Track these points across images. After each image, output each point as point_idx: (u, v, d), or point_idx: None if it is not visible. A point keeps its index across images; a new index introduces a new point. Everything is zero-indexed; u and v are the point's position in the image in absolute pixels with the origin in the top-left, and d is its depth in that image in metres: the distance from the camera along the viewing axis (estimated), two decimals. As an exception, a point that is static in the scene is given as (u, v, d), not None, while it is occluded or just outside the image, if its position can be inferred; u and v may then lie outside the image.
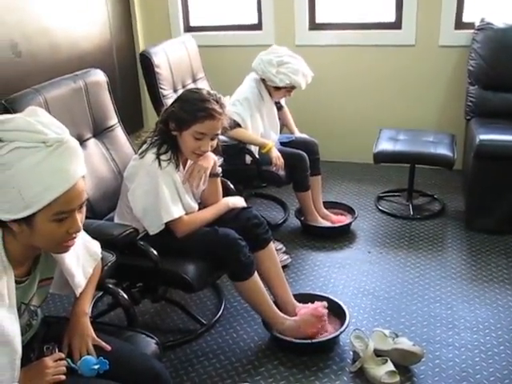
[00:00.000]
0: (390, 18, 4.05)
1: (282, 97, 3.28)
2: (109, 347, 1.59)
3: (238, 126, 3.07)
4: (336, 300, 2.55)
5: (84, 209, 1.41)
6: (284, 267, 2.85)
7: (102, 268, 1.80)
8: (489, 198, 3.26)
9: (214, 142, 2.29)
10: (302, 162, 3.17)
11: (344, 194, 3.81)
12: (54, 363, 1.49)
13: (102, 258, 1.79)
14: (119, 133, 2.66)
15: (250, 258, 2.28)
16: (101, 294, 2.70)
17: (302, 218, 3.37)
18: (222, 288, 2.85)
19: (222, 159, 2.50)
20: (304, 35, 4.21)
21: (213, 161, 2.37)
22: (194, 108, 2.19)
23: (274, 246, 2.49)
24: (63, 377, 1.47)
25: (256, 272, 2.31)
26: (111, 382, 1.49)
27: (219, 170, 2.43)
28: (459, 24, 3.92)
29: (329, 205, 3.49)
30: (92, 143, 2.48)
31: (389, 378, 2.18)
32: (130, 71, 4.32)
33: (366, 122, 4.22)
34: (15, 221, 1.32)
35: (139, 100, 4.44)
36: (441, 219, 3.50)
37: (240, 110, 3.09)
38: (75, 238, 1.42)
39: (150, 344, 1.73)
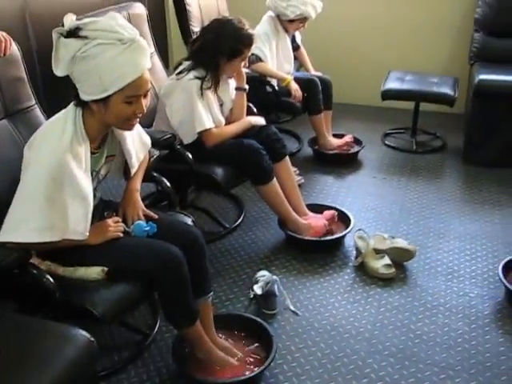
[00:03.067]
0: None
1: (296, 29, 3.54)
2: (156, 216, 1.95)
3: (259, 60, 3.37)
4: (342, 209, 2.91)
5: (148, 96, 1.75)
6: (298, 186, 3.18)
7: (149, 159, 2.15)
8: (485, 135, 3.57)
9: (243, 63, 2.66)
10: (315, 87, 3.48)
11: (353, 130, 4.11)
12: (113, 223, 1.85)
13: (149, 152, 2.14)
14: (156, 60, 2.97)
15: (270, 165, 2.63)
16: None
17: (316, 147, 3.70)
18: (242, 200, 3.21)
19: (246, 86, 2.81)
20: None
21: (243, 74, 2.72)
22: (243, 37, 2.54)
23: (290, 163, 2.83)
24: (121, 234, 1.84)
25: (275, 179, 2.66)
26: (158, 241, 1.84)
27: (246, 86, 2.76)
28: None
29: (337, 137, 3.80)
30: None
31: (385, 269, 2.54)
32: (159, 14, 4.62)
33: (376, 64, 4.48)
34: (94, 101, 1.67)
35: (166, 40, 4.75)
36: (441, 154, 3.82)
37: (260, 44, 3.36)
38: (138, 118, 1.76)
39: (187, 220, 2.09)
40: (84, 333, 1.40)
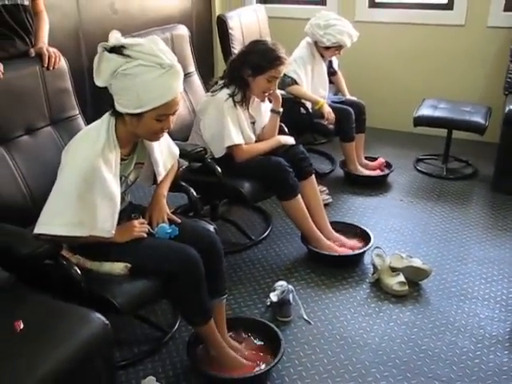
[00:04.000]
0: (443, -1, 4.41)
1: (331, 55, 3.67)
2: (179, 220, 2.11)
3: (295, 82, 3.52)
4: (363, 227, 3.02)
5: (176, 114, 1.92)
6: (325, 205, 3.27)
7: (178, 169, 2.32)
8: (514, 163, 3.62)
9: (277, 84, 2.79)
10: (349, 116, 3.60)
11: (385, 154, 4.20)
12: (139, 224, 2.01)
13: (179, 162, 2.31)
14: (195, 79, 3.18)
15: (295, 182, 2.76)
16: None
17: (346, 169, 3.82)
18: (270, 214, 3.35)
19: (281, 109, 2.95)
20: (363, 12, 4.60)
21: (279, 98, 2.88)
22: (271, 57, 2.67)
23: (315, 182, 2.95)
24: (145, 235, 2.00)
25: (300, 196, 2.79)
26: (178, 243, 1.99)
27: (281, 109, 2.92)
28: (508, 6, 4.22)
29: (369, 160, 3.92)
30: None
31: (399, 286, 2.63)
32: (206, 35, 4.85)
33: (411, 92, 4.57)
34: (129, 114, 1.85)
35: (212, 60, 4.98)
36: (470, 181, 3.87)
37: (296, 68, 3.52)
38: (165, 132, 1.95)
39: (210, 226, 2.23)
40: (100, 316, 1.56)
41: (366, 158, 3.91)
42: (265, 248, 3.03)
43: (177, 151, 2.27)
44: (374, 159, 3.93)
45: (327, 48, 3.59)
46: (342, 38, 3.50)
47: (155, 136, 1.95)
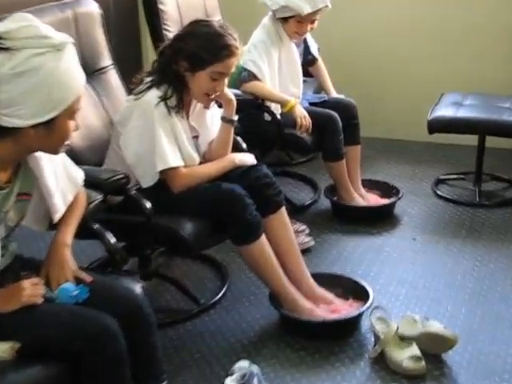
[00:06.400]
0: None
1: (304, 32, 3.78)
2: (90, 278, 2.17)
3: (254, 77, 3.64)
4: (360, 281, 3.12)
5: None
6: (304, 251, 3.40)
7: (88, 204, 2.39)
8: None
9: (226, 82, 2.89)
10: (333, 123, 3.74)
11: (393, 175, 4.34)
12: (30, 286, 2.06)
13: (88, 196, 2.39)
14: (113, 76, 3.23)
15: (256, 217, 2.83)
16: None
17: (335, 198, 3.94)
18: (227, 268, 3.45)
19: (236, 117, 3.05)
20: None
21: (232, 101, 2.99)
22: (215, 45, 2.77)
23: (287, 217, 3.03)
24: (40, 300, 2.03)
25: (264, 235, 2.88)
26: (88, 309, 2.05)
27: (235, 117, 3.02)
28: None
29: (367, 184, 4.06)
30: (80, 86, 3.07)
31: (412, 363, 2.70)
32: (130, 13, 4.94)
33: (424, 84, 4.75)
34: (34, 125, 1.92)
35: (139, 43, 5.04)
36: (514, 208, 4.03)
37: (256, 56, 3.64)
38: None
39: (135, 285, 2.29)
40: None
41: (363, 181, 4.04)
42: (219, 315, 3.12)
43: (79, 176, 2.33)
44: (373, 183, 4.09)
45: (284, 20, 3.70)
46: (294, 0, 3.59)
47: (63, 146, 2.08)
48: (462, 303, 3.16)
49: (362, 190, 3.99)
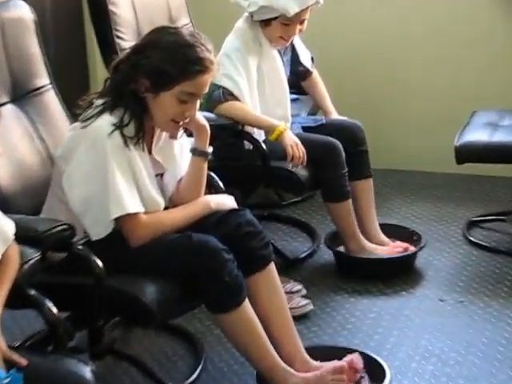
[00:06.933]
0: None
1: (291, 36, 3.85)
2: (25, 361, 2.20)
3: (231, 96, 3.69)
4: (373, 355, 3.16)
5: None
6: (301, 317, 3.47)
7: (21, 266, 2.43)
8: None
9: (198, 104, 2.93)
10: (334, 153, 3.80)
11: (413, 218, 4.40)
12: None
13: (20, 252, 2.42)
14: (52, 99, 3.24)
15: (238, 278, 2.84)
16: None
17: (339, 248, 4.01)
18: (201, 342, 3.48)
19: (210, 148, 3.09)
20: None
21: (205, 129, 3.02)
22: (184, 59, 2.79)
23: (276, 276, 3.05)
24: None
25: (247, 300, 2.90)
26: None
27: (210, 148, 3.07)
28: None
29: (382, 229, 4.11)
30: (9, 111, 3.03)
31: None
32: (73, 17, 4.99)
33: (450, 101, 4.84)
34: None
35: (84, 54, 5.08)
36: None
37: (230, 69, 3.69)
38: None
39: (83, 368, 2.33)
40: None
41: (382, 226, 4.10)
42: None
43: (9, 227, 2.37)
44: (389, 228, 4.15)
45: (266, 23, 3.76)
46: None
47: None
48: (506, 381, 3.19)
49: (382, 236, 4.05)
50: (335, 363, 3.01)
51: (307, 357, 3.07)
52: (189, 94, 2.82)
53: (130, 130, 2.80)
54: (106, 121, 2.79)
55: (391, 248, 4.02)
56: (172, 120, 2.87)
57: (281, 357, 2.97)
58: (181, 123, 2.90)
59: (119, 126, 2.78)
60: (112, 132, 2.76)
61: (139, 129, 2.83)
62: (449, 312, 3.69)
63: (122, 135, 2.78)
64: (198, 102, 2.91)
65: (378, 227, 4.05)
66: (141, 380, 3.27)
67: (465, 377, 3.23)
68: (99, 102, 2.87)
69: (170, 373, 3.32)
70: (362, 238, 3.94)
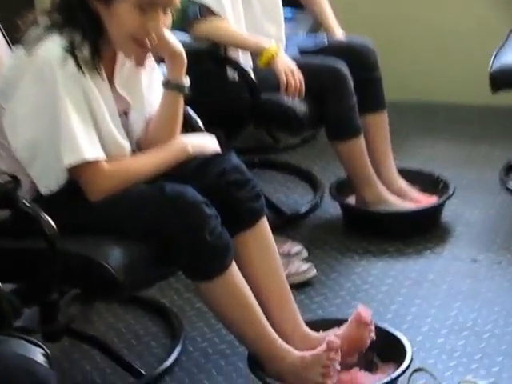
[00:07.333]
0: None
1: None
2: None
3: (209, 12, 3.65)
4: (389, 330, 3.16)
5: None
6: (301, 285, 3.48)
7: None
8: None
9: (168, 21, 2.88)
10: (339, 81, 3.78)
11: (438, 161, 4.40)
12: None
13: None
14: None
15: (222, 238, 2.83)
16: None
17: (348, 200, 4.02)
18: (179, 317, 3.46)
19: (187, 80, 3.06)
20: None
21: (180, 56, 2.97)
22: None
23: (270, 234, 3.04)
24: None
25: (235, 264, 2.89)
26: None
27: (186, 80, 3.03)
28: None
29: (401, 175, 4.10)
30: None
31: None
32: None
33: (486, 19, 4.82)
34: None
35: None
36: None
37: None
38: None
39: (34, 352, 2.32)
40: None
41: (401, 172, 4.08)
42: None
43: None
44: (410, 174, 4.13)
45: None
46: None
47: None
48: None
49: (401, 182, 4.04)
50: (329, 336, 2.94)
51: (307, 330, 3.08)
52: (152, 4, 2.75)
53: (86, 53, 2.76)
54: (55, 44, 2.74)
55: (413, 198, 3.99)
56: (133, 38, 2.80)
57: (276, 332, 2.96)
58: (147, 45, 2.83)
59: (71, 50, 2.73)
60: (63, 59, 2.70)
61: (94, 50, 2.78)
62: (483, 275, 3.68)
63: (75, 60, 2.73)
64: (169, 18, 2.85)
65: (395, 172, 4.03)
66: (105, 365, 3.26)
67: (504, 352, 3.23)
68: (45, 20, 2.84)
69: (142, 356, 3.31)
70: (379, 184, 3.92)
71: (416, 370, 2.97)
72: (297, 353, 2.94)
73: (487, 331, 3.35)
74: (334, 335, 2.93)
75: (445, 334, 3.35)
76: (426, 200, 4.00)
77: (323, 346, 2.86)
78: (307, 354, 2.91)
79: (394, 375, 2.93)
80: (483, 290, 3.57)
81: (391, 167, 3.96)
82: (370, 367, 3.06)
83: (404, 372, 2.94)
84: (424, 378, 2.95)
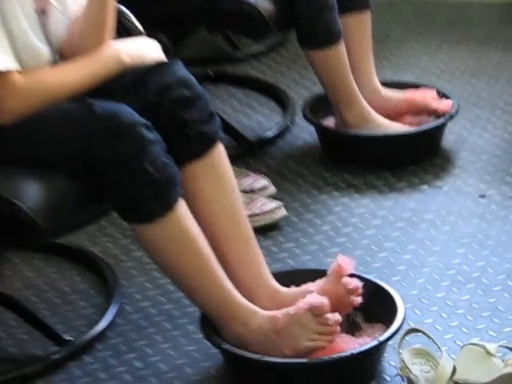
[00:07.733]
0: None
1: None
2: None
3: None
4: (377, 282, 3.15)
5: None
6: (267, 228, 3.47)
7: None
8: None
9: None
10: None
11: (441, 73, 4.37)
12: None
13: None
14: None
15: (167, 168, 2.80)
16: None
17: (325, 121, 4.00)
18: (113, 270, 3.43)
19: None
20: None
21: None
22: None
23: (228, 164, 3.03)
24: None
25: (183, 203, 2.86)
26: None
27: None
28: None
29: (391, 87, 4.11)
30: None
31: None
32: None
33: None
34: None
35: None
36: None
37: None
38: None
39: None
40: None
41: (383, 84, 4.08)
42: (103, 363, 3.11)
43: None
44: (404, 87, 4.12)
45: None
46: None
47: None
48: None
49: (383, 91, 4.05)
50: (313, 298, 2.91)
51: (275, 284, 3.08)
52: None
53: None
54: None
55: (406, 118, 3.99)
56: None
57: (236, 286, 2.96)
58: None
59: None
60: None
61: None
62: (494, 214, 3.67)
63: None
64: None
65: (376, 80, 4.05)
66: (21, 331, 3.24)
67: None
68: None
69: (67, 320, 3.30)
70: (363, 101, 3.92)
71: (409, 332, 2.93)
72: (264, 312, 2.93)
73: (498, 283, 3.35)
74: (312, 293, 2.91)
75: (446, 287, 3.34)
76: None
77: (304, 304, 2.84)
78: (278, 313, 2.89)
79: (381, 338, 2.92)
80: (493, 233, 3.56)
81: (373, 74, 4.01)
82: (352, 329, 3.07)
83: (394, 334, 2.93)
84: (419, 342, 2.92)
